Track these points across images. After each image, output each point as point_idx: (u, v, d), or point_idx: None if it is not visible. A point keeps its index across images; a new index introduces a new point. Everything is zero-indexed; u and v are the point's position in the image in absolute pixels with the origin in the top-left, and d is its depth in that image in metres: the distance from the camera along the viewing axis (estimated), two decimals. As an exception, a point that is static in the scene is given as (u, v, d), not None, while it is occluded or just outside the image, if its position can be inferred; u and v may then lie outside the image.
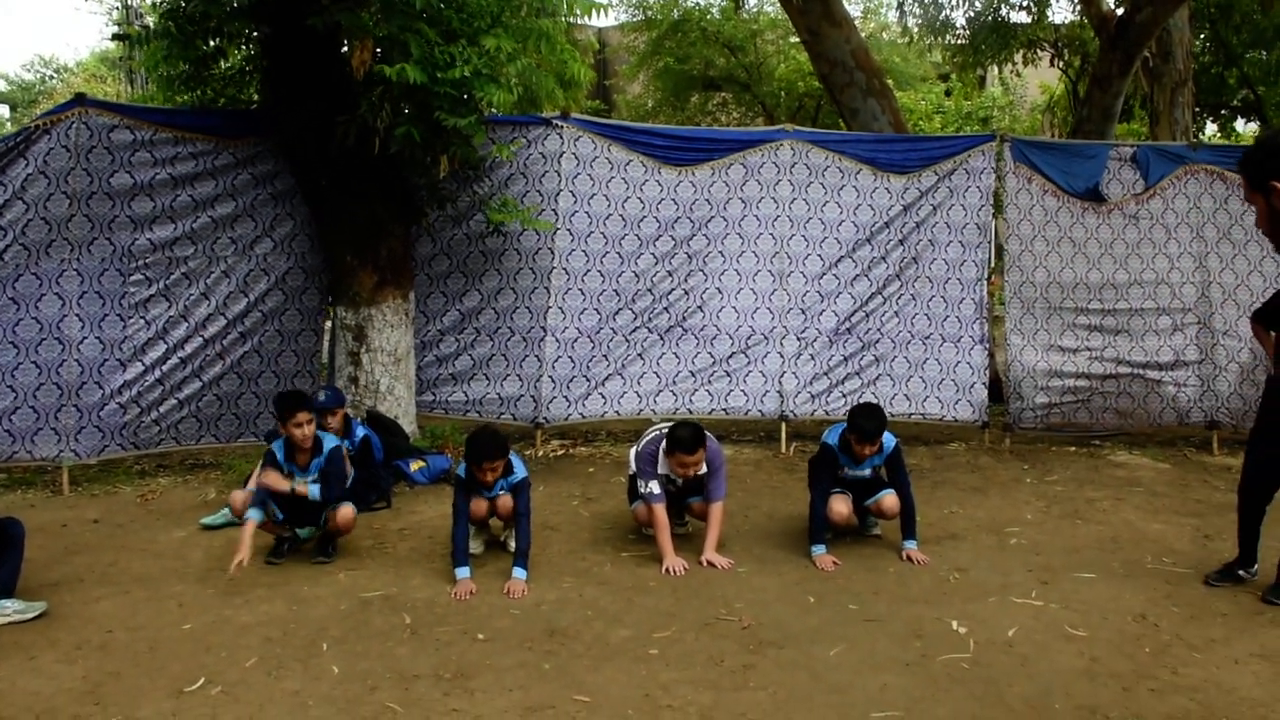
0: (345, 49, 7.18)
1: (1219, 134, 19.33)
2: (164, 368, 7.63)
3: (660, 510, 5.58)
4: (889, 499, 5.82)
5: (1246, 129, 19.66)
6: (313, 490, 5.54)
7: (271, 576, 5.43)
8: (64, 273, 7.34)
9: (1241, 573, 5.30)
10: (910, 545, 5.67)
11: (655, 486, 5.58)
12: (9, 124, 35.55)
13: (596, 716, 3.81)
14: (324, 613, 4.91)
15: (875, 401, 7.30)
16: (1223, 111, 18.56)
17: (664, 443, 5.58)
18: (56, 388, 7.32)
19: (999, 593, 5.12)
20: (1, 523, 4.99)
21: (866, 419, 5.62)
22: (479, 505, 5.57)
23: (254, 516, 5.31)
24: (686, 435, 5.47)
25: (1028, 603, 5.00)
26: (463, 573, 5.22)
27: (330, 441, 5.76)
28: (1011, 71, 16.51)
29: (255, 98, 8.21)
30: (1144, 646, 4.50)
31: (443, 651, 4.43)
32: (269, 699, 3.99)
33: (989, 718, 3.79)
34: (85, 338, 7.38)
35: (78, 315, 7.38)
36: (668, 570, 5.42)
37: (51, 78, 37.82)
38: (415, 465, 7.28)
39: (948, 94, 24.08)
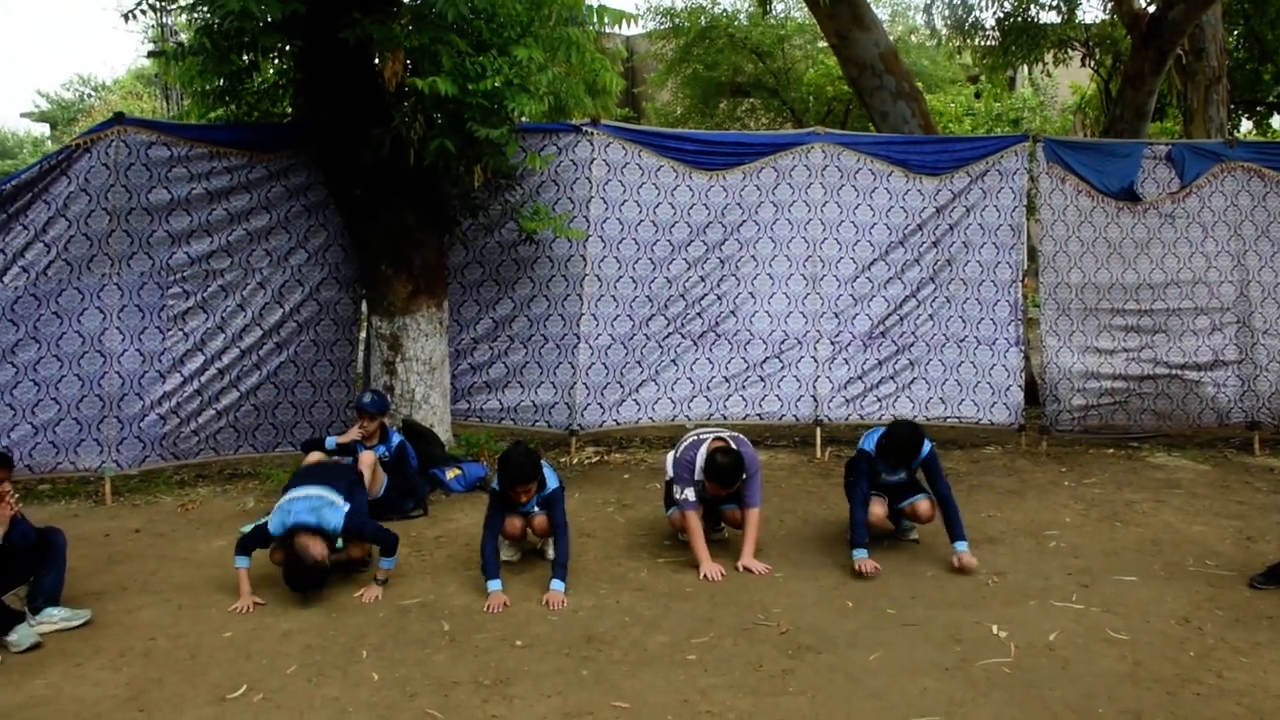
0: (377, 61, 7.24)
1: (1254, 130, 19.08)
2: (202, 379, 7.73)
3: (695, 517, 5.55)
4: (923, 503, 5.80)
5: (1280, 125, 19.40)
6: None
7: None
8: (105, 287, 7.46)
9: (1287, 575, 5.23)
10: (961, 548, 5.49)
11: (691, 494, 5.54)
12: (49, 142, 36.17)
13: (641, 712, 3.81)
14: (362, 620, 4.95)
15: (912, 418, 7.25)
16: (1258, 108, 18.30)
17: (702, 458, 5.53)
18: (98, 399, 7.43)
19: (1039, 596, 5.08)
20: (43, 532, 5.07)
21: (905, 440, 5.58)
22: (513, 523, 5.58)
23: (242, 564, 5.23)
24: (725, 465, 5.43)
25: (1068, 606, 4.96)
26: (494, 585, 5.16)
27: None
28: (1042, 72, 16.36)
29: (289, 111, 8.30)
30: (1188, 650, 4.45)
31: (481, 658, 4.45)
32: (309, 705, 4.03)
33: (1031, 722, 3.76)
34: (126, 350, 7.49)
35: (118, 328, 7.49)
36: (705, 576, 5.39)
37: (90, 96, 38.37)
38: (451, 473, 7.32)
39: (977, 96, 23.91)
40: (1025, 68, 16.91)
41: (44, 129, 38.83)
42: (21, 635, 4.69)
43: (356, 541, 5.51)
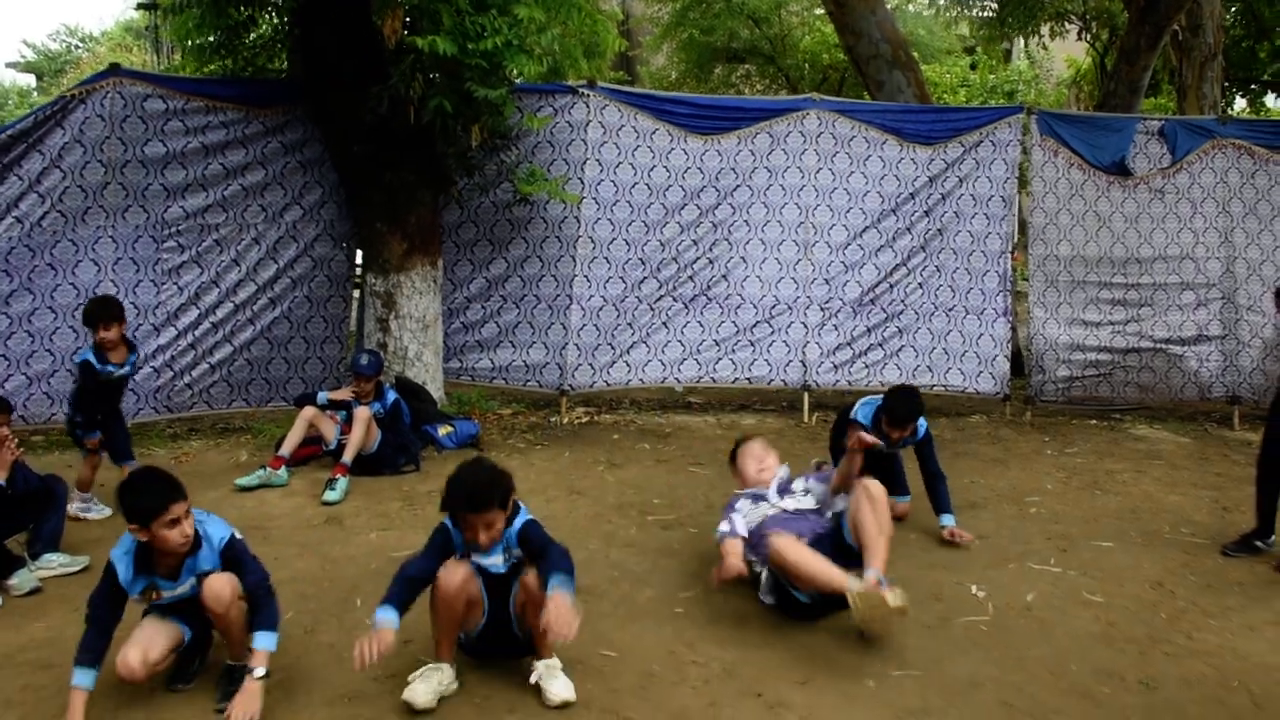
0: (376, 18, 7.23)
1: (1248, 109, 19.14)
2: (196, 332, 7.78)
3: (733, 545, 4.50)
4: (901, 506, 5.69)
5: (1277, 104, 19.43)
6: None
7: (304, 536, 5.56)
8: (100, 239, 7.48)
9: (1258, 543, 5.37)
10: (948, 521, 5.42)
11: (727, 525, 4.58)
12: (35, 94, 35.76)
13: (624, 670, 3.93)
14: (356, 571, 5.04)
15: (910, 383, 7.32)
16: (1253, 86, 18.37)
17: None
18: (93, 351, 7.46)
19: (1018, 559, 5.21)
20: (45, 480, 5.14)
21: (904, 404, 5.31)
22: (456, 576, 3.66)
23: (83, 682, 3.43)
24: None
25: (1046, 569, 5.09)
26: (385, 615, 3.59)
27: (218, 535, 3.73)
28: (1039, 44, 16.38)
29: (284, 67, 8.29)
30: (1160, 613, 4.58)
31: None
32: (306, 650, 4.13)
33: (1007, 679, 3.89)
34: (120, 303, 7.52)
35: (113, 281, 7.51)
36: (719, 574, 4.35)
37: (77, 47, 37.88)
38: (443, 430, 7.40)
39: (973, 67, 23.87)
40: (1021, 40, 16.92)
41: (30, 80, 38.36)
42: (22, 579, 4.77)
43: (229, 580, 3.66)
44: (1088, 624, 4.44)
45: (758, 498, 4.75)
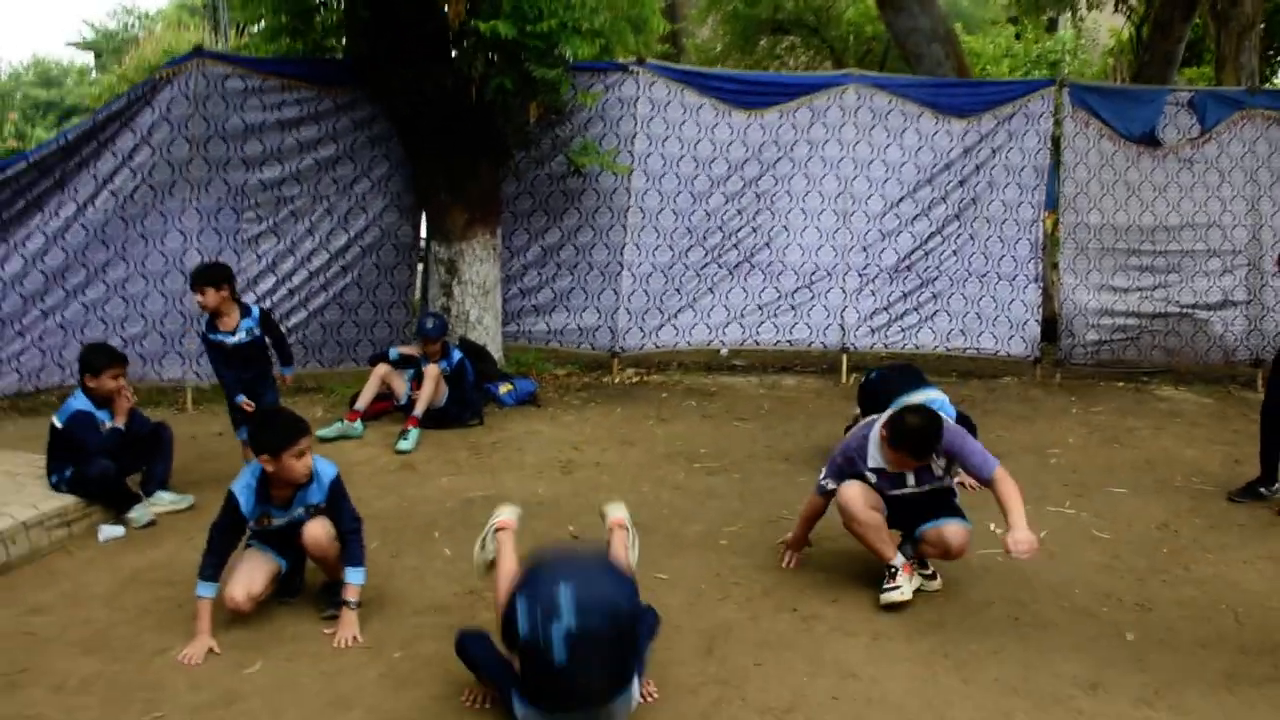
0: (438, 2, 7.72)
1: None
2: (274, 298, 8.34)
3: (818, 504, 4.52)
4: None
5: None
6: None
7: (382, 480, 6.14)
8: (185, 211, 8.06)
9: (1263, 490, 5.78)
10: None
11: (831, 482, 4.39)
12: (94, 72, 36.62)
13: (675, 589, 4.46)
14: (432, 509, 5.61)
15: (934, 349, 7.50)
16: (1297, 55, 18.29)
17: (878, 429, 4.29)
18: (181, 316, 8.08)
19: (1035, 502, 5.59)
20: (155, 427, 5.76)
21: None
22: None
23: (206, 593, 3.97)
24: (916, 426, 4.09)
25: (1061, 511, 5.55)
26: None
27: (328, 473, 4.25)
28: (1076, 18, 16.50)
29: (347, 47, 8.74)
30: (1163, 549, 5.04)
31: (538, 540, 5.05)
32: (392, 573, 4.70)
33: (1015, 598, 4.37)
34: (205, 270, 8.12)
35: (198, 250, 8.09)
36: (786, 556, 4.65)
37: (134, 25, 38.67)
38: (504, 388, 7.96)
39: (1017, 37, 23.90)
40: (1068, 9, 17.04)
41: (89, 58, 39.32)
42: (139, 513, 5.39)
43: (331, 518, 4.21)
44: (1094, 556, 4.90)
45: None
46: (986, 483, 4.17)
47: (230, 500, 4.09)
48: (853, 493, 4.26)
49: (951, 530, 4.30)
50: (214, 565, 4.03)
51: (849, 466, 4.34)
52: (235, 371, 6.13)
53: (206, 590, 3.97)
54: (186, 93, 7.95)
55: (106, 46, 37.83)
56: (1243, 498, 5.79)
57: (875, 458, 4.26)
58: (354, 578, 4.10)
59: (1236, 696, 3.58)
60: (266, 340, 6.28)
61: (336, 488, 4.24)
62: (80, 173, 7.67)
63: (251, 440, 4.14)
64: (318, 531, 4.17)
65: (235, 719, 3.43)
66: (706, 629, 4.05)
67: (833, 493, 4.34)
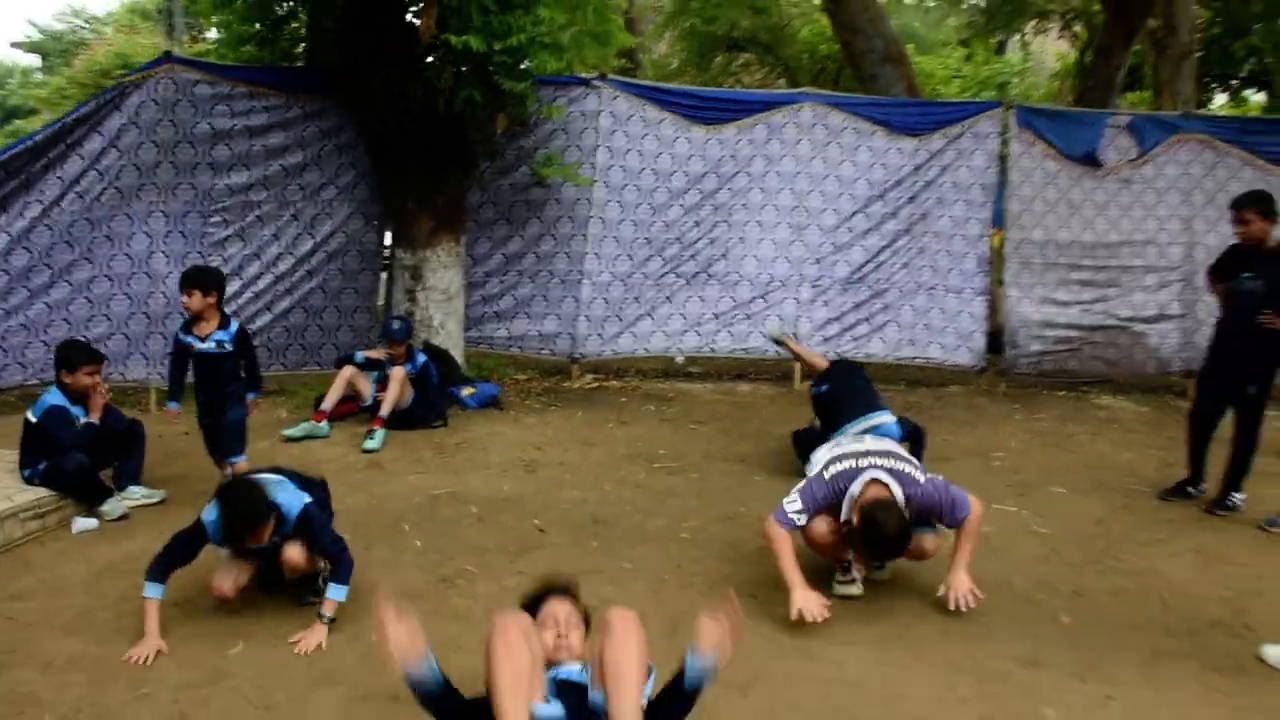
0: (410, 16, 7.91)
1: (1229, 104, 19.81)
2: (239, 301, 8.44)
3: (788, 540, 4.33)
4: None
5: (1255, 99, 20.12)
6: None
7: (350, 477, 6.28)
8: (152, 214, 8.15)
9: (1190, 490, 6.14)
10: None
11: (803, 517, 4.34)
12: (38, 74, 36.11)
13: (639, 578, 4.67)
14: (400, 505, 5.78)
15: (883, 358, 7.77)
16: (1232, 81, 19.02)
17: (854, 494, 4.25)
18: (145, 317, 8.18)
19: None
20: (129, 423, 5.89)
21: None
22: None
23: (154, 594, 4.03)
24: (889, 534, 4.08)
25: (1003, 509, 5.84)
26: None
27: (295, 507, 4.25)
28: (1020, 43, 17.04)
29: (313, 57, 8.85)
30: (1097, 543, 5.35)
31: (506, 533, 5.29)
32: (366, 565, 4.82)
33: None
34: (170, 273, 8.16)
35: (164, 252, 8.20)
36: (800, 613, 4.13)
37: (82, 28, 38.19)
38: (467, 391, 8.13)
39: (968, 59, 24.50)
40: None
41: (35, 59, 38.78)
42: (112, 506, 5.51)
43: (305, 545, 4.26)
44: (1034, 550, 5.20)
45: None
46: (954, 527, 4.38)
47: (200, 527, 4.12)
48: (821, 530, 4.37)
49: (927, 539, 4.48)
50: (164, 570, 4.05)
51: (823, 505, 4.36)
52: (202, 384, 5.86)
53: (154, 591, 4.00)
54: (155, 98, 8.05)
55: (53, 48, 37.33)
56: (1172, 496, 6.14)
57: (851, 515, 4.28)
58: (335, 594, 4.11)
59: (1160, 671, 3.87)
60: (238, 359, 5.90)
61: (305, 520, 4.22)
62: (46, 174, 7.76)
63: (221, 528, 4.10)
64: (294, 556, 4.22)
65: (223, 696, 3.59)
66: (670, 615, 4.26)
67: (802, 527, 4.35)
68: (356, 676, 3.73)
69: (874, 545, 4.17)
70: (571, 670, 2.99)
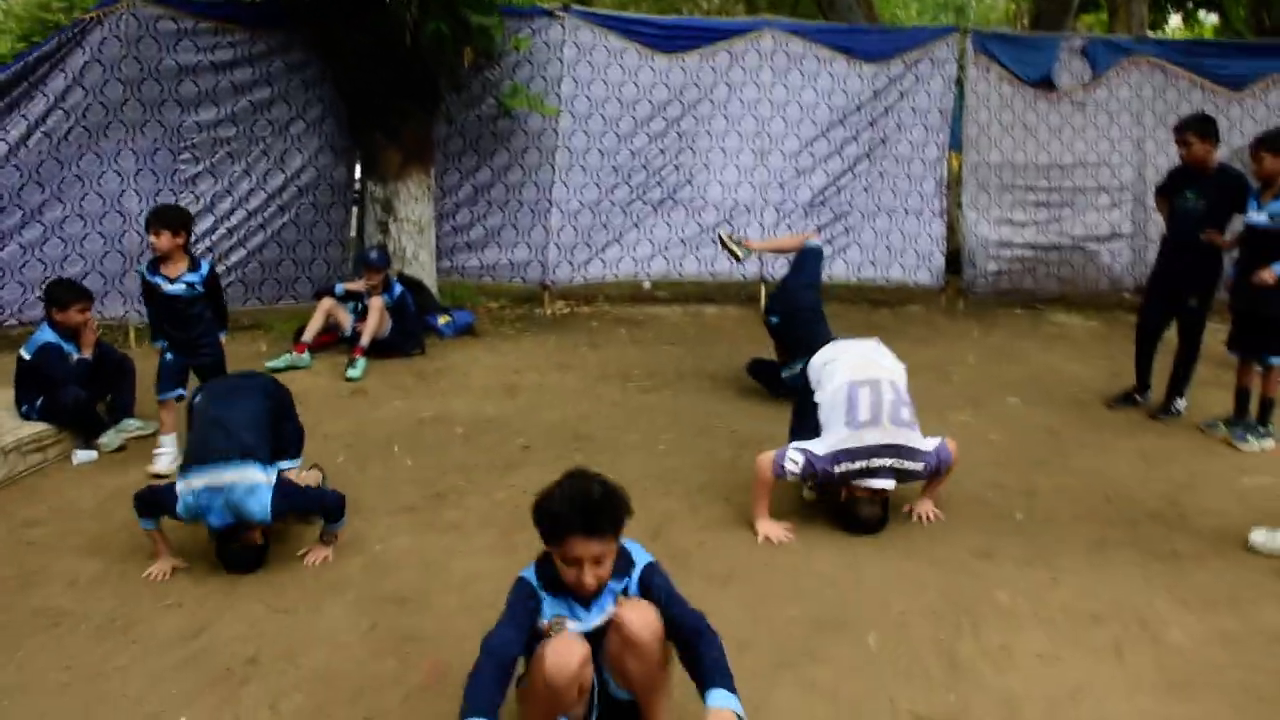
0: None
1: (1183, 26, 20.07)
2: (213, 237, 8.55)
3: (768, 485, 4.49)
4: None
5: (1208, 19, 20.38)
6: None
7: (336, 404, 6.51)
8: (121, 152, 8.19)
9: (1137, 398, 6.51)
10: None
11: (798, 467, 4.39)
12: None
13: (622, 483, 4.94)
14: (388, 429, 6.02)
15: (845, 279, 8.12)
16: (1187, 4, 19.26)
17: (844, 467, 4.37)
18: (120, 255, 8.26)
19: (937, 412, 6.20)
20: (119, 359, 6.07)
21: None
22: (578, 669, 2.66)
23: (150, 525, 4.12)
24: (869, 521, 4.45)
25: (958, 418, 6.17)
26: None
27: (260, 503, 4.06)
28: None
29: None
30: (1047, 448, 5.70)
31: (492, 451, 5.56)
32: (362, 483, 5.10)
33: (915, 489, 4.94)
34: (142, 211, 8.16)
35: (135, 190, 8.25)
36: (765, 538, 4.41)
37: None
38: (443, 320, 8.34)
39: (925, -19, 24.51)
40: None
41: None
42: (110, 438, 5.71)
43: (293, 516, 4.39)
44: (987, 455, 5.54)
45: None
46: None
47: (172, 493, 4.06)
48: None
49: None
50: (151, 513, 4.08)
51: (820, 481, 4.48)
52: (172, 325, 5.67)
53: (149, 524, 4.09)
54: (118, 34, 8.01)
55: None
56: (1119, 405, 6.51)
57: (840, 490, 4.49)
58: (334, 527, 4.28)
59: (1102, 557, 4.23)
60: (208, 301, 5.73)
61: (281, 498, 4.10)
62: (11, 114, 7.75)
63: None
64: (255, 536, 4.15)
65: (244, 603, 3.85)
66: (653, 519, 4.55)
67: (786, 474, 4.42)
68: (364, 581, 4.00)
69: (853, 527, 4.46)
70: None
